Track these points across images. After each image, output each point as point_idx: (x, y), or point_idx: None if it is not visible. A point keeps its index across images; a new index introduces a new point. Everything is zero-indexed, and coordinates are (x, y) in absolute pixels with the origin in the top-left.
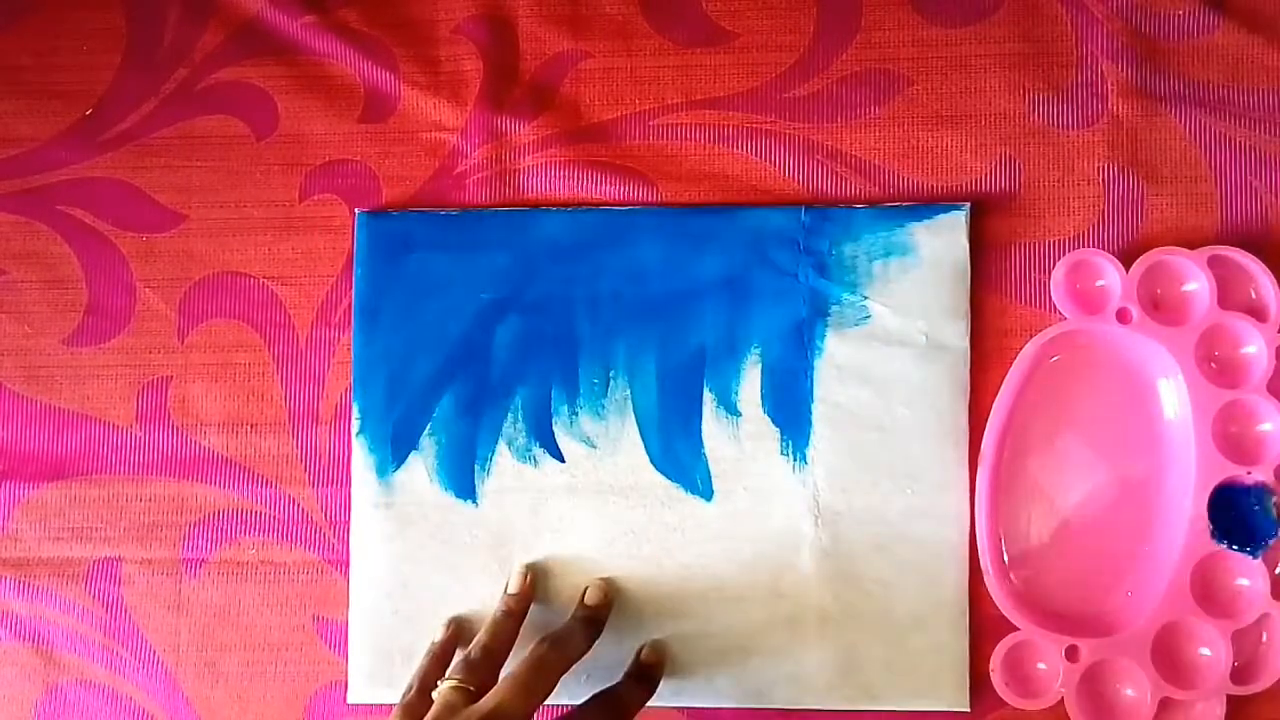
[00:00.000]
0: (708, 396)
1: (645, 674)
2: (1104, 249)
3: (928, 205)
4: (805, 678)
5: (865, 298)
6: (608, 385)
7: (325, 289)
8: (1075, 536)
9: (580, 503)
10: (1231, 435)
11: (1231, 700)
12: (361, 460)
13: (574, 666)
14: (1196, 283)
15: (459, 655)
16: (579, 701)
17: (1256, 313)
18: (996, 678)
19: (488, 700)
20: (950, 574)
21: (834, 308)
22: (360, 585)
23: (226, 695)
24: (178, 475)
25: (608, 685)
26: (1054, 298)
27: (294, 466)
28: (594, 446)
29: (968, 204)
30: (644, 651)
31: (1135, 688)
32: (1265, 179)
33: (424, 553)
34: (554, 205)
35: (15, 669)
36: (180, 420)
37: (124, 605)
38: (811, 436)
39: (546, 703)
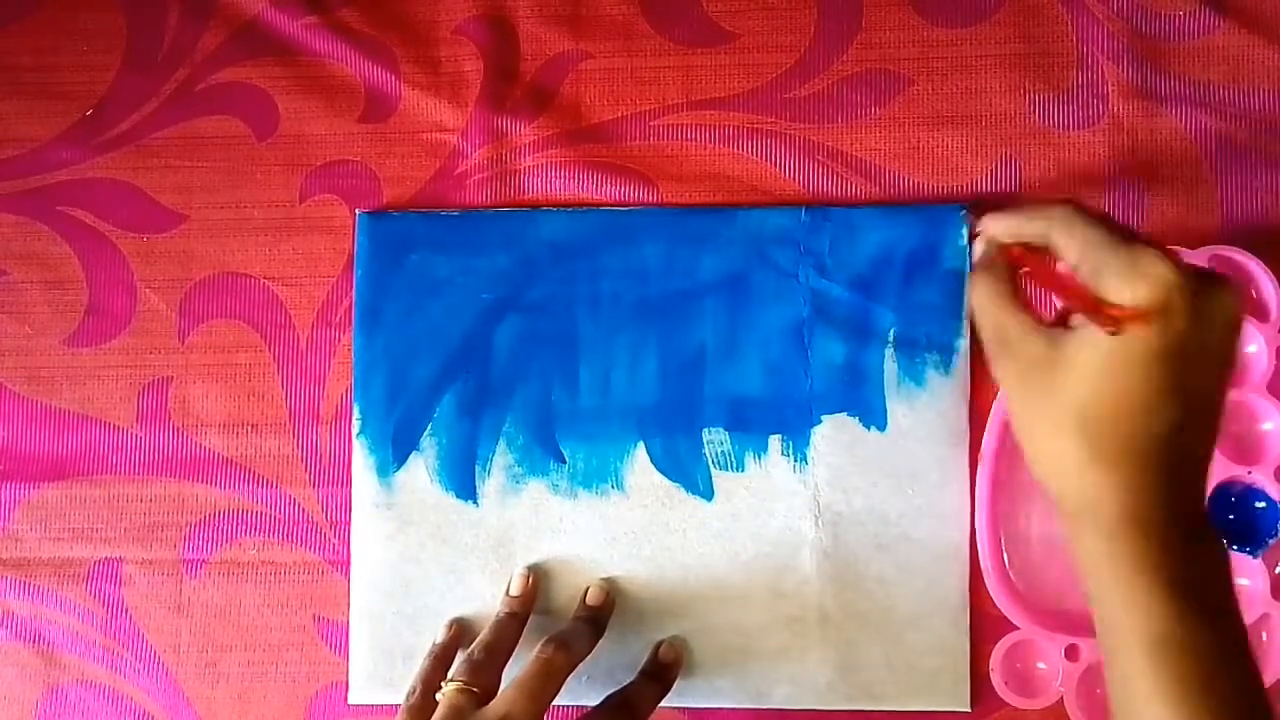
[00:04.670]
0: (709, 396)
1: (660, 672)
2: None
3: (928, 205)
4: (806, 678)
5: (865, 298)
6: (608, 385)
7: (326, 289)
8: None
9: (581, 503)
10: (1232, 435)
11: None
12: (362, 460)
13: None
14: None
15: (461, 656)
16: (579, 702)
17: (1257, 312)
18: (996, 677)
19: (497, 707)
20: (950, 574)
21: (834, 308)
22: (361, 586)
23: (227, 696)
24: (178, 476)
25: (609, 685)
26: (1055, 297)
27: (295, 467)
28: (594, 447)
29: (968, 204)
30: (662, 649)
31: None
32: (1265, 179)
33: (425, 553)
34: (554, 206)
35: (16, 669)
36: (181, 421)
37: (125, 606)
38: (812, 436)
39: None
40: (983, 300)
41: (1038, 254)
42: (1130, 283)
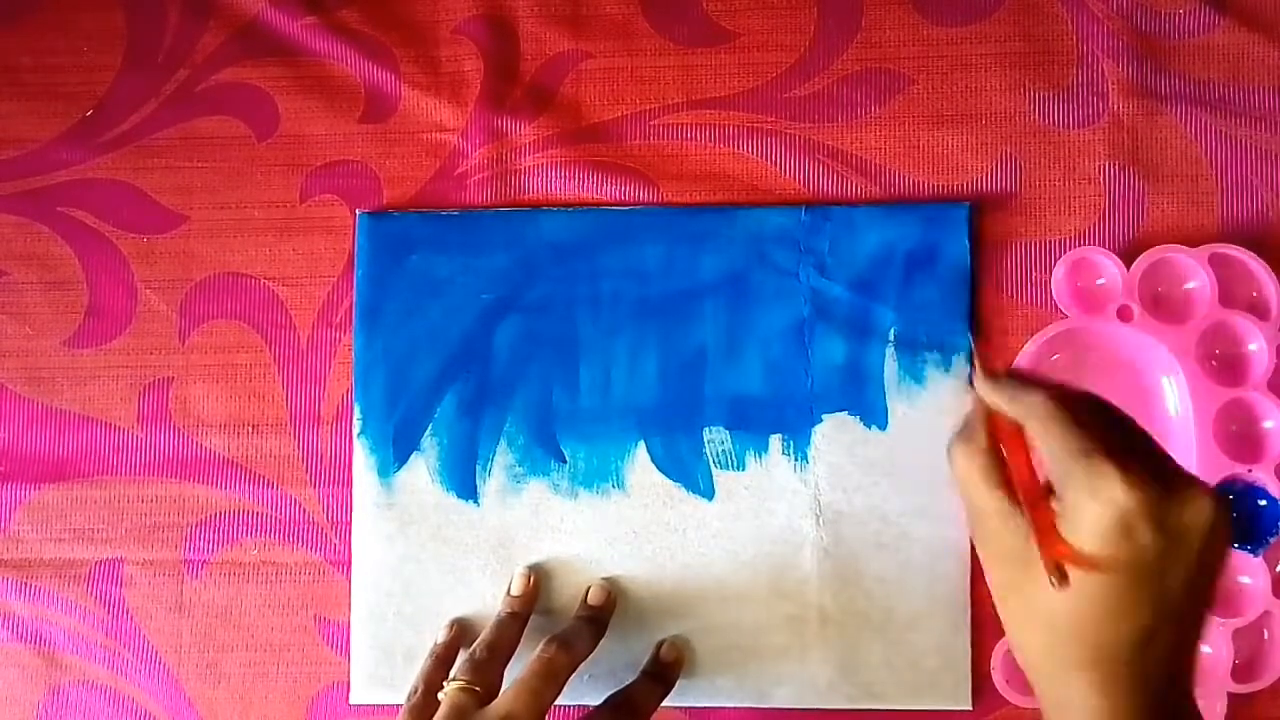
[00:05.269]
0: (710, 396)
1: (662, 672)
2: (1105, 247)
3: (928, 204)
4: (807, 677)
5: (865, 297)
6: (608, 385)
7: (326, 290)
8: None
9: (581, 503)
10: (1232, 433)
11: (1232, 698)
12: (363, 461)
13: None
14: (1197, 280)
15: (462, 655)
16: (581, 702)
17: (1257, 310)
18: (997, 676)
19: (499, 706)
20: (951, 573)
21: (834, 307)
22: (362, 586)
23: (228, 696)
24: (179, 476)
25: (610, 685)
26: (1055, 296)
27: (295, 467)
28: (595, 446)
29: (968, 203)
30: (663, 648)
31: None
32: (1266, 177)
33: (426, 553)
34: (555, 205)
35: (17, 670)
36: (182, 421)
37: (126, 606)
38: (812, 436)
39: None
40: (962, 473)
41: (1017, 436)
42: (1088, 500)
